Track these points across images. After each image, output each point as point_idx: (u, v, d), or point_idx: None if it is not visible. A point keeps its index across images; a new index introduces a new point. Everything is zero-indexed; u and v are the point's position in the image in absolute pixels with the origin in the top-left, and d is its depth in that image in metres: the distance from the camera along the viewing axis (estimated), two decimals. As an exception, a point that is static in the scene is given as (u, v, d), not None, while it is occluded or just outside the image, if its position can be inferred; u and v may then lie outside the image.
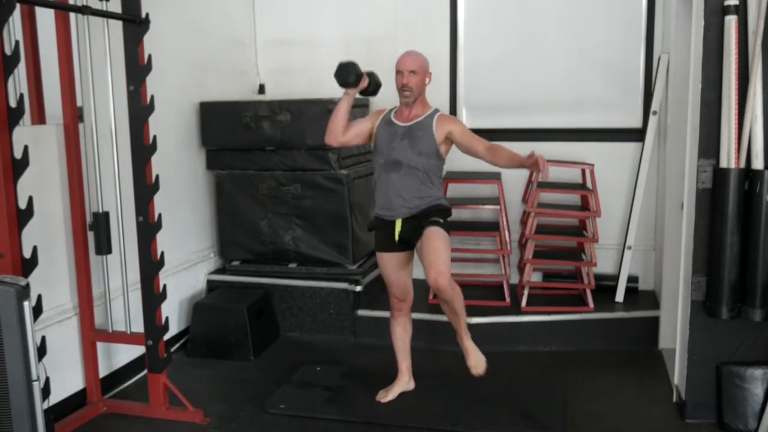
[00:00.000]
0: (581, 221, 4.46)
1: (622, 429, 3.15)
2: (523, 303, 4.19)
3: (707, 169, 3.00)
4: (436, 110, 3.18)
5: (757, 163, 2.91)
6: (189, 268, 4.31)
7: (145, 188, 3.16)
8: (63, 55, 3.08)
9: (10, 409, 2.12)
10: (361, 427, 3.16)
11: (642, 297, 4.43)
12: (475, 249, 4.57)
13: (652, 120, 4.31)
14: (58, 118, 3.17)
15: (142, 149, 3.14)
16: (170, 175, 3.84)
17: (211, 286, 4.46)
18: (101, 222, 3.19)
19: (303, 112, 4.24)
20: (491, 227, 4.38)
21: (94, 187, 3.24)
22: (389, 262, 3.24)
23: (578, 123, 4.57)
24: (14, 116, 2.51)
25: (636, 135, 4.47)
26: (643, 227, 4.47)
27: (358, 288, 4.26)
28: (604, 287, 4.37)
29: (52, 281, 3.16)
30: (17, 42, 2.50)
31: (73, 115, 3.15)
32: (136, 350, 3.56)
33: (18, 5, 2.55)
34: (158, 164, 3.22)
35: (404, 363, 3.40)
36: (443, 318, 3.92)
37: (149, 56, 3.09)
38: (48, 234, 3.13)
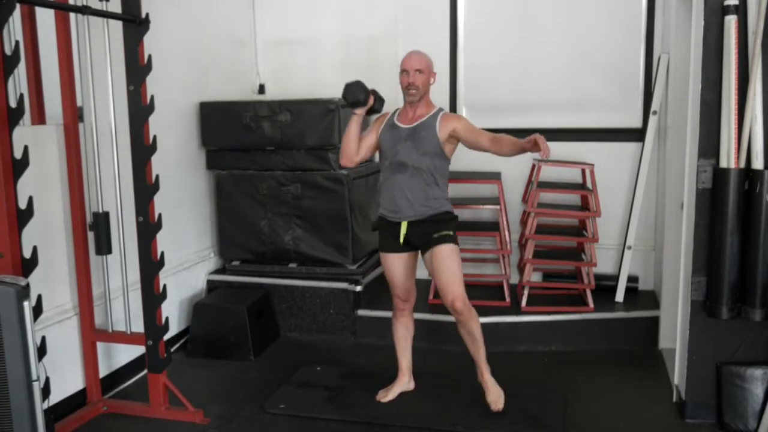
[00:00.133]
0: (581, 221, 4.46)
1: (622, 429, 3.15)
2: (523, 303, 4.19)
3: (707, 169, 3.00)
4: (440, 109, 3.18)
5: (757, 163, 2.91)
6: (189, 268, 4.31)
7: (145, 188, 3.16)
8: (63, 55, 3.08)
9: (10, 409, 2.12)
10: (361, 427, 3.16)
11: (642, 297, 4.43)
12: (475, 249, 4.57)
13: (652, 120, 4.31)
14: (58, 118, 3.17)
15: (142, 149, 3.14)
16: (170, 175, 3.84)
17: (211, 286, 4.46)
18: (101, 222, 3.19)
19: (303, 112, 4.24)
20: (491, 227, 4.38)
21: (94, 187, 3.24)
22: (393, 263, 3.24)
23: (578, 123, 4.57)
24: (14, 116, 2.51)
25: (636, 135, 4.47)
26: (643, 227, 4.47)
27: (358, 288, 4.26)
28: (604, 287, 4.37)
29: (52, 281, 3.16)
30: (17, 42, 2.50)
31: (73, 115, 3.15)
32: (136, 350, 3.56)
33: (18, 5, 2.55)
34: (158, 164, 3.22)
35: (405, 362, 3.40)
36: (443, 318, 3.94)
37: (149, 56, 3.09)
38: (48, 234, 3.13)
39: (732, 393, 3.05)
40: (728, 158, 2.93)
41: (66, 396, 3.23)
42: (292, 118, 4.26)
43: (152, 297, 3.21)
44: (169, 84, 3.87)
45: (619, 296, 4.36)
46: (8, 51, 2.45)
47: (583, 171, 4.43)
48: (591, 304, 4.17)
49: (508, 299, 4.26)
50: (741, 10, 2.89)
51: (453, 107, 4.76)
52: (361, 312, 4.25)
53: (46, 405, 2.56)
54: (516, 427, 3.09)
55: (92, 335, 3.31)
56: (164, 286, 3.25)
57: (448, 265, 3.08)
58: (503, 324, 4.08)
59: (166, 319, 3.27)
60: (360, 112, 3.17)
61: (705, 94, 2.99)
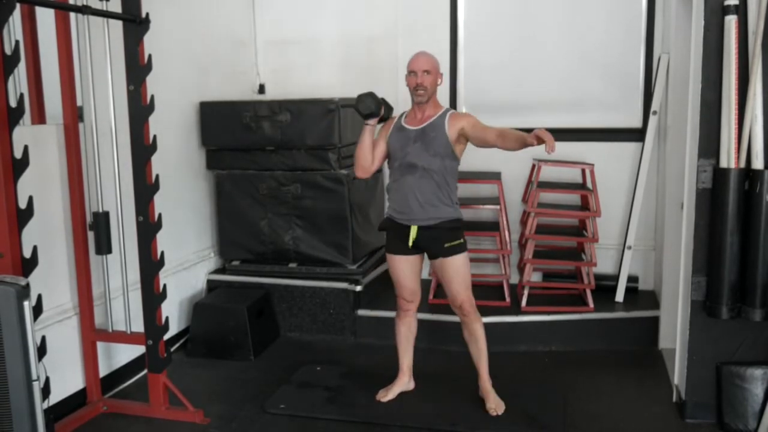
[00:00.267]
0: (581, 221, 4.46)
1: (622, 429, 3.15)
2: (523, 303, 4.19)
3: (707, 169, 3.00)
4: (448, 109, 3.19)
5: (757, 163, 2.91)
6: (189, 268, 4.31)
7: (145, 188, 3.16)
8: (63, 55, 3.08)
9: (10, 409, 2.12)
10: (361, 427, 3.16)
11: (642, 297, 4.43)
12: (475, 249, 4.56)
13: (652, 120, 4.31)
14: (58, 118, 3.17)
15: (142, 149, 3.14)
16: (170, 174, 3.84)
17: (211, 286, 4.46)
18: (101, 222, 3.19)
19: (303, 112, 4.24)
20: (491, 227, 4.38)
21: (94, 187, 3.24)
22: (400, 265, 3.24)
23: (578, 123, 4.57)
24: (14, 116, 2.51)
25: (636, 135, 4.47)
26: (643, 227, 4.47)
27: (358, 288, 4.26)
28: (604, 287, 4.37)
29: (52, 281, 3.16)
30: (17, 42, 2.50)
31: (73, 115, 3.15)
32: (136, 350, 3.56)
33: (18, 5, 2.55)
34: (158, 164, 3.22)
35: (406, 363, 3.40)
36: (443, 318, 3.95)
37: (149, 56, 3.09)
38: (48, 234, 3.13)
39: (732, 393, 3.05)
40: (728, 158, 2.93)
41: (66, 396, 3.23)
42: (292, 118, 4.25)
43: (152, 297, 3.21)
44: (169, 84, 3.87)
45: (619, 296, 4.36)
46: (8, 51, 2.45)
47: (583, 171, 4.43)
48: (591, 304, 4.17)
49: (508, 299, 4.26)
50: (741, 10, 2.89)
51: (453, 107, 4.74)
52: (361, 312, 4.25)
53: (46, 405, 2.56)
54: (516, 427, 3.10)
55: (92, 335, 3.31)
56: (164, 285, 3.25)
57: (461, 275, 3.15)
58: (503, 324, 4.08)
59: (166, 318, 3.27)
60: (373, 123, 3.17)
61: (705, 94, 2.99)
